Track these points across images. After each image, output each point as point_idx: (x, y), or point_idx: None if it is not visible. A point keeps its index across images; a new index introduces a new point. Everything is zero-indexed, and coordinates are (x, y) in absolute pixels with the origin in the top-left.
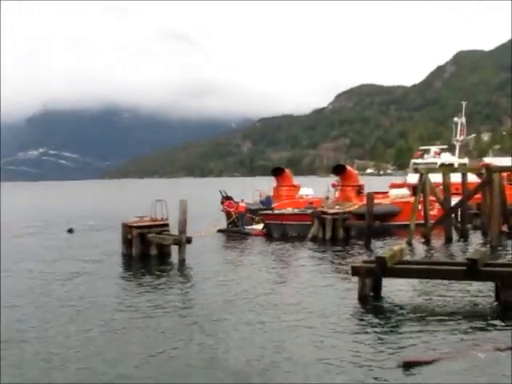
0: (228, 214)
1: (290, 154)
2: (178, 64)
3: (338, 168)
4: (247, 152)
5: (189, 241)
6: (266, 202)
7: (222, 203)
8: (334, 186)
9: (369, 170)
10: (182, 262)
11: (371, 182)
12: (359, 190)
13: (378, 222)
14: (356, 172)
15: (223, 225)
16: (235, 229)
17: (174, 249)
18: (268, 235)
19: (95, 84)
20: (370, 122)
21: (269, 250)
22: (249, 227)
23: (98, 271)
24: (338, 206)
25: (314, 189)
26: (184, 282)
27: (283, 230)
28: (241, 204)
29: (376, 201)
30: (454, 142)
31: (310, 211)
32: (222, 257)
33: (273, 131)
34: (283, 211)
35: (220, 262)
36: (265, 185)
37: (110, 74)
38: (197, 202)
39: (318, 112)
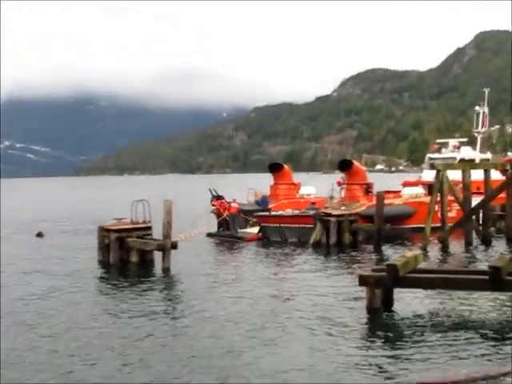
0: (219, 216)
1: (290, 148)
2: (163, 48)
3: (343, 164)
4: (241, 145)
5: (174, 246)
6: (262, 203)
7: (212, 203)
8: (339, 184)
9: (379, 166)
10: (166, 270)
11: (381, 180)
12: (368, 188)
13: (389, 225)
14: (364, 168)
15: (213, 228)
16: (227, 232)
17: (158, 255)
18: (264, 240)
19: (68, 69)
20: (381, 112)
21: (265, 258)
22: (242, 231)
23: (70, 283)
24: (343, 207)
25: (316, 187)
26: (168, 298)
27: (281, 234)
28: (233, 204)
29: (387, 201)
30: (475, 135)
31: (312, 213)
32: (212, 266)
33: (270, 122)
34: (281, 213)
35: (209, 272)
36: (261, 183)
37: (85, 59)
38: (183, 202)
39: (322, 100)
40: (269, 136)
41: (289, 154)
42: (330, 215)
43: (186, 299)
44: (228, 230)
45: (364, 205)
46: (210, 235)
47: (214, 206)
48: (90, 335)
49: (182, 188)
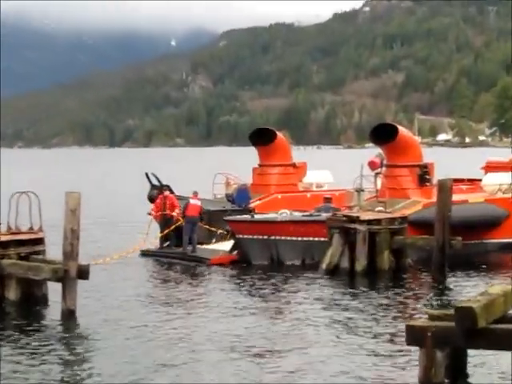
0: (165, 222)
1: (287, 103)
2: None
3: (381, 131)
4: (201, 98)
5: (83, 274)
6: (239, 198)
7: (152, 199)
8: (373, 166)
9: (443, 136)
10: (67, 315)
11: (448, 159)
12: (424, 174)
13: (459, 239)
14: (417, 139)
15: (153, 241)
16: (177, 251)
17: (55, 289)
18: (242, 263)
19: None
20: (447, 40)
21: (243, 298)
22: (204, 247)
23: None
24: (380, 207)
25: (333, 172)
26: (68, 372)
27: (272, 252)
28: (193, 202)
29: (457, 196)
30: None
31: (325, 216)
32: (146, 312)
33: (252, 57)
34: (273, 216)
35: (141, 324)
36: (237, 163)
37: None
38: (100, 195)
39: (344, 20)
40: (250, 82)
41: (285, 114)
42: (356, 221)
43: (96, 371)
44: (179, 245)
45: (417, 203)
46: (146, 254)
47: (152, 203)
48: None
49: (98, 171)
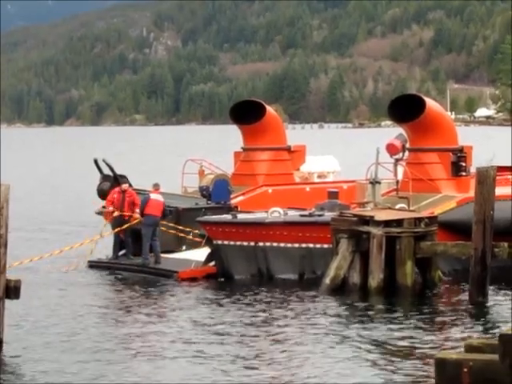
0: (119, 223)
1: (278, 67)
2: None
3: (401, 105)
4: (166, 60)
5: (13, 291)
6: (217, 192)
7: (103, 193)
8: (392, 150)
9: (482, 112)
10: None
11: (490, 142)
12: (458, 161)
13: (505, 246)
14: (450, 115)
15: (105, 248)
16: (135, 261)
17: None
18: (219, 278)
19: None
20: None
21: (221, 326)
22: (172, 257)
23: None
24: (401, 205)
25: (340, 158)
26: None
27: (260, 263)
28: (152, 197)
29: (502, 190)
30: None
31: (329, 216)
32: (91, 347)
33: (234, 7)
34: (261, 216)
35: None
36: (213, 147)
37: None
38: (35, 188)
39: None
40: (231, 40)
41: (277, 83)
42: (370, 222)
43: None
44: (138, 253)
45: (449, 199)
46: (96, 266)
47: (104, 199)
48: None
49: (32, 157)
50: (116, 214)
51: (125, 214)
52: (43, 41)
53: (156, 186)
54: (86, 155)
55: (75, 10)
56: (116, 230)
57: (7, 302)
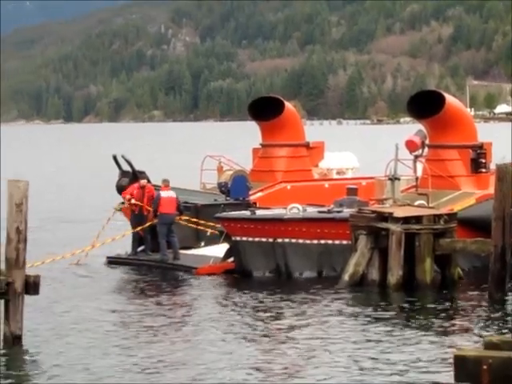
0: (138, 220)
1: (297, 64)
2: None
3: (421, 101)
4: (185, 57)
5: (32, 287)
6: (236, 188)
7: (120, 189)
8: (411, 147)
9: (503, 108)
10: (11, 342)
11: (510, 139)
12: (478, 158)
13: None
14: (469, 111)
15: (124, 244)
16: (153, 257)
17: None
18: (236, 275)
19: None
20: None
21: (239, 323)
22: (190, 253)
23: None
24: (421, 201)
25: (358, 155)
26: None
27: (279, 260)
28: (163, 194)
29: None
30: None
31: (347, 213)
32: (116, 339)
33: (252, 4)
34: (279, 212)
35: (104, 356)
36: (232, 143)
37: None
38: (54, 184)
39: None
40: (249, 36)
41: (295, 79)
42: (389, 218)
43: None
44: (155, 249)
45: (469, 196)
46: (114, 261)
47: (123, 195)
48: None
49: (51, 153)
50: (133, 201)
51: (137, 203)
52: (61, 37)
53: (165, 183)
54: (104, 151)
55: (93, 7)
56: (137, 227)
57: (26, 298)
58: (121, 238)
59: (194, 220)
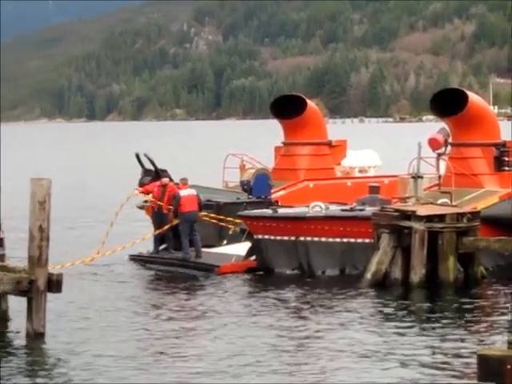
0: (159, 219)
1: (319, 62)
2: None
3: (444, 99)
4: (207, 55)
5: (55, 285)
6: (258, 186)
7: (139, 187)
8: (434, 145)
9: None
10: (33, 338)
11: None
12: (501, 156)
13: None
14: (492, 109)
15: (145, 243)
16: (175, 255)
17: (17, 304)
18: (259, 273)
19: None
20: None
21: (262, 319)
22: (213, 251)
23: None
24: (444, 200)
25: (381, 153)
26: None
27: (301, 258)
28: (183, 193)
29: None
30: None
31: (370, 211)
32: (138, 337)
33: (275, 2)
34: (301, 210)
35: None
36: (254, 141)
37: None
38: (76, 182)
39: None
40: (271, 34)
41: (318, 77)
42: (412, 217)
43: None
44: (177, 248)
45: (492, 194)
46: (136, 259)
47: (144, 193)
48: None
49: (73, 151)
50: (150, 197)
51: (154, 201)
52: (83, 37)
53: (183, 181)
54: (126, 149)
55: (115, 5)
56: (159, 228)
57: (49, 296)
58: (141, 242)
59: (216, 217)
